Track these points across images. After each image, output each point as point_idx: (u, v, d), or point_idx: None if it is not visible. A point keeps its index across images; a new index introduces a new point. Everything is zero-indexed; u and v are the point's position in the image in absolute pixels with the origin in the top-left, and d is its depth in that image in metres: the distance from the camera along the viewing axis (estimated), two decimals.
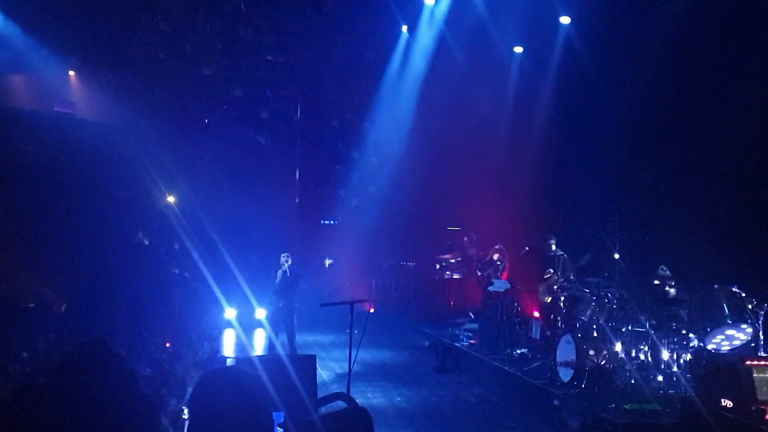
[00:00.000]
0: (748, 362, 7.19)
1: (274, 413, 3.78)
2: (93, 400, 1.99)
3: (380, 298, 18.54)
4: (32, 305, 13.53)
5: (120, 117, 17.41)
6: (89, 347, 2.18)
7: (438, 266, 18.21)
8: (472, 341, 13.17)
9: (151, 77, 18.08)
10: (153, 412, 2.09)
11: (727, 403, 7.04)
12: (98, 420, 1.97)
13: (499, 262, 13.43)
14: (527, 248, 13.19)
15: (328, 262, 19.83)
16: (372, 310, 8.46)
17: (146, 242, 16.28)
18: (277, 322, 11.99)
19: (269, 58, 18.55)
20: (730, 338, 8.41)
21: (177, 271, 15.33)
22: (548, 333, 11.68)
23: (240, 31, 17.24)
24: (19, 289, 14.33)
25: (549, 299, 11.84)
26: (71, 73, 18.10)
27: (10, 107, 17.08)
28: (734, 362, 7.39)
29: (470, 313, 14.82)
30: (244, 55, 18.08)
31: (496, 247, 13.77)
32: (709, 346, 8.45)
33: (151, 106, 17.86)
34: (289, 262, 11.86)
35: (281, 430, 3.85)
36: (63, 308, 14.45)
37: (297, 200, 21.09)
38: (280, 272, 11.84)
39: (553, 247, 12.20)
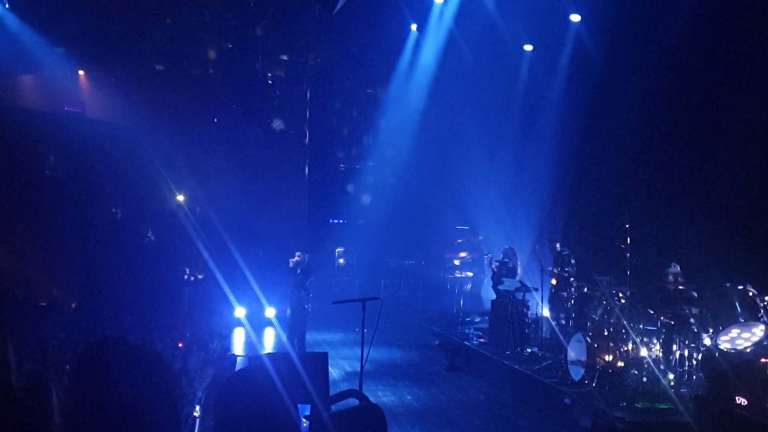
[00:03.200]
0: (763, 360, 7.13)
1: (300, 405, 3.78)
2: (114, 395, 1.98)
3: (389, 296, 18.52)
4: (43, 304, 13.59)
5: (129, 116, 17.45)
6: (107, 343, 2.17)
7: (447, 265, 18.21)
8: (482, 340, 13.13)
9: (160, 76, 18.13)
10: (175, 408, 2.08)
11: (741, 401, 6.98)
12: (119, 416, 1.96)
13: (507, 260, 13.37)
14: (537, 247, 13.15)
15: (340, 260, 19.83)
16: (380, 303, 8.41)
17: (156, 241, 16.33)
18: (290, 320, 12.07)
19: (278, 56, 18.57)
20: (742, 336, 8.34)
21: (187, 270, 15.37)
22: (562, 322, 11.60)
23: (249, 29, 17.27)
24: (30, 288, 14.39)
25: (554, 291, 11.85)
26: (81, 72, 18.16)
27: (21, 107, 17.16)
28: (749, 360, 7.34)
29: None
30: (253, 53, 18.11)
31: (507, 246, 13.72)
32: (722, 345, 8.39)
33: (161, 105, 17.90)
34: (296, 260, 11.87)
35: (306, 423, 3.84)
36: (73, 306, 14.51)
37: (306, 199, 21.09)
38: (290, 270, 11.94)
39: (558, 247, 12.16)
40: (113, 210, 16.59)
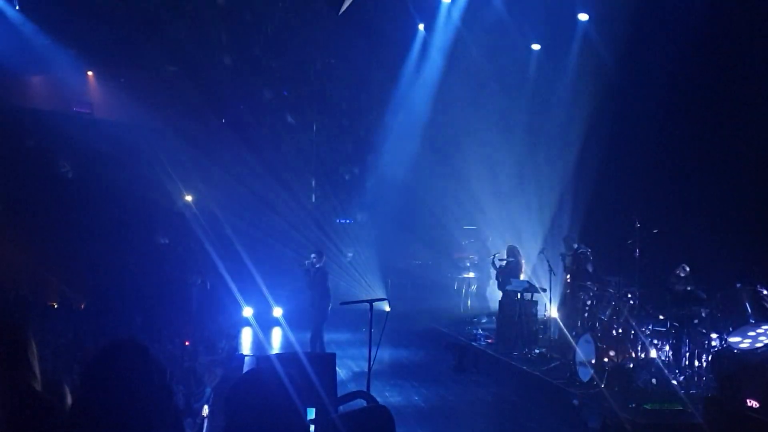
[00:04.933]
0: None
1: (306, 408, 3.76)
2: (124, 395, 1.99)
3: (396, 296, 18.49)
4: (53, 304, 13.66)
5: (138, 117, 17.51)
6: (120, 345, 2.18)
7: (454, 265, 18.18)
8: (489, 340, 13.10)
9: (168, 77, 18.19)
10: (176, 407, 2.10)
11: (753, 403, 6.93)
12: (128, 414, 1.97)
13: (512, 259, 13.34)
14: (545, 247, 13.11)
15: (348, 256, 19.84)
16: (388, 309, 8.44)
17: (164, 241, 16.37)
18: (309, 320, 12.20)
19: (286, 57, 18.57)
20: (753, 338, 8.27)
21: (195, 270, 15.40)
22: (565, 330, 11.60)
23: (257, 30, 17.30)
24: (40, 288, 14.46)
25: (568, 291, 11.77)
26: (89, 73, 18.24)
27: (30, 108, 17.25)
28: (760, 361, 7.28)
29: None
30: (260, 54, 18.13)
31: (510, 245, 13.68)
32: (732, 346, 8.33)
33: (169, 105, 17.95)
34: (313, 261, 12.01)
35: (312, 427, 3.84)
36: (82, 307, 14.58)
37: (313, 198, 21.10)
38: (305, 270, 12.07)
39: (575, 245, 12.10)
40: (124, 212, 16.67)
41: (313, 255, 12.19)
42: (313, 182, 21.19)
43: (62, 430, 2.22)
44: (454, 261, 18.39)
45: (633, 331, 9.22)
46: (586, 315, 10.78)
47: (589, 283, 11.14)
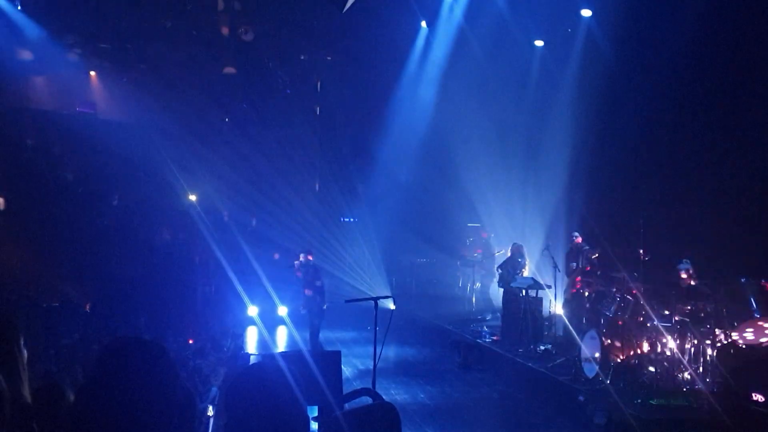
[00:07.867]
0: None
1: (308, 407, 3.76)
2: (132, 393, 1.98)
3: (400, 294, 18.50)
4: (57, 304, 13.66)
5: (141, 116, 17.52)
6: (125, 342, 2.17)
7: (459, 263, 18.16)
8: (494, 337, 13.09)
9: (171, 76, 18.19)
10: (190, 405, 2.09)
11: (758, 397, 6.92)
12: (137, 413, 1.96)
13: (520, 259, 13.33)
14: (549, 244, 13.09)
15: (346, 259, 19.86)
16: (393, 308, 8.45)
17: (169, 241, 16.39)
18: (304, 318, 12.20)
19: (289, 55, 18.58)
20: (758, 332, 8.26)
21: (200, 270, 15.42)
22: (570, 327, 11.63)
23: (260, 29, 17.30)
24: (44, 288, 14.47)
25: (572, 291, 11.75)
26: (92, 73, 18.25)
27: (33, 108, 17.27)
28: (765, 356, 7.27)
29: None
30: (264, 52, 18.14)
31: (516, 243, 13.67)
32: (737, 341, 8.31)
33: (172, 105, 17.96)
34: (301, 261, 12.00)
35: (316, 424, 3.85)
36: (88, 307, 14.58)
37: (317, 198, 21.12)
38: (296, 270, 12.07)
39: (579, 241, 12.08)
40: (122, 207, 16.70)
41: (301, 255, 12.17)
42: (318, 181, 21.20)
43: (63, 428, 2.21)
44: (458, 258, 18.36)
45: (638, 327, 9.22)
46: (591, 311, 10.78)
47: (593, 279, 11.14)
